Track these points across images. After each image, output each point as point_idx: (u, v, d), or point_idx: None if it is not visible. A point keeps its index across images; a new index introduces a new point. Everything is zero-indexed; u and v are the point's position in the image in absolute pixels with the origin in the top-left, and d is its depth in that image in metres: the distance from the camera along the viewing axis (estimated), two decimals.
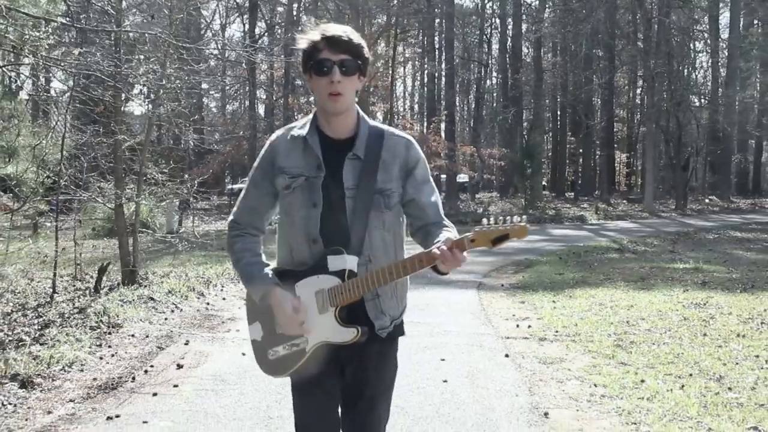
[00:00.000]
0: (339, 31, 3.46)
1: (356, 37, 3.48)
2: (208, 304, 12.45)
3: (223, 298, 13.01)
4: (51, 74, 10.95)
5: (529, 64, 52.94)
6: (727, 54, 53.18)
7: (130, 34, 13.05)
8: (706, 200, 50.82)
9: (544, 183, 55.41)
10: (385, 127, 3.69)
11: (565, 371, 8.03)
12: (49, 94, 10.82)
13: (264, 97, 42.79)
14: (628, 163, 66.66)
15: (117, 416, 6.50)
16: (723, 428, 6.11)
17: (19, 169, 11.56)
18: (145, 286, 13.17)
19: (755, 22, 56.28)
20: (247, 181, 3.75)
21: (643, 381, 7.54)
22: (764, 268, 16.76)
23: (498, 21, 60.20)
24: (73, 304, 11.47)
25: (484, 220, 3.19)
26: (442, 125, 46.08)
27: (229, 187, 52.31)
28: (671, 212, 41.96)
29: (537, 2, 54.57)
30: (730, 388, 7.30)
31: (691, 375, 7.79)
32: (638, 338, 9.54)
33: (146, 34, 13.23)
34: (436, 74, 54.86)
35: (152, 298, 12.03)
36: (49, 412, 6.66)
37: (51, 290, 12.25)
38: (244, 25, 43.63)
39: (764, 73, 50.10)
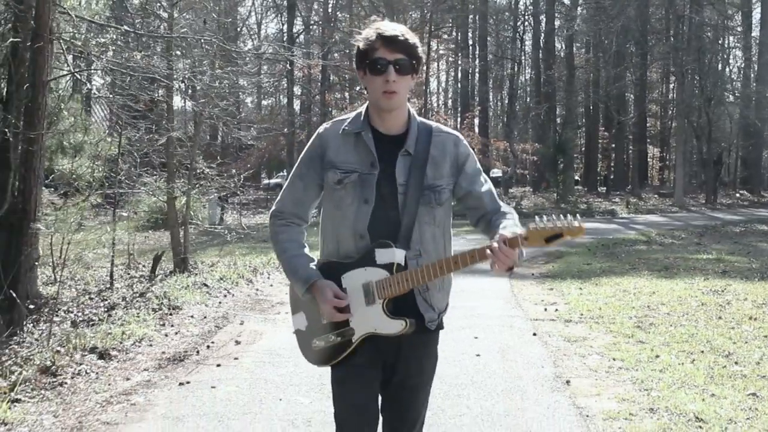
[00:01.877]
0: (395, 31, 3.48)
1: (411, 37, 3.50)
2: (257, 290, 13.36)
3: (271, 285, 13.91)
4: (109, 75, 11.79)
5: (562, 60, 53.29)
6: (758, 50, 53.37)
7: (176, 35, 13.86)
8: (737, 194, 51.17)
9: (577, 178, 55.78)
10: (433, 123, 3.74)
11: (588, 348, 8.81)
12: (110, 94, 11.62)
13: (300, 93, 43.55)
14: (661, 158, 66.78)
15: (187, 382, 7.38)
16: (725, 394, 6.86)
17: (76, 164, 12.45)
18: (196, 274, 14.11)
19: None
20: (293, 172, 3.79)
21: (657, 356, 8.31)
22: None
23: (531, 18, 60.60)
24: (132, 290, 12.40)
25: (537, 218, 3.19)
26: (476, 121, 46.67)
27: (266, 181, 53.17)
28: (701, 206, 42.49)
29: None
30: (736, 363, 8.05)
31: (702, 352, 8.53)
32: (657, 321, 10.28)
33: (194, 36, 14.03)
34: (470, 70, 55.39)
35: (206, 284, 12.96)
36: (128, 379, 7.56)
37: (109, 277, 13.13)
38: (282, 24, 44.44)
39: None
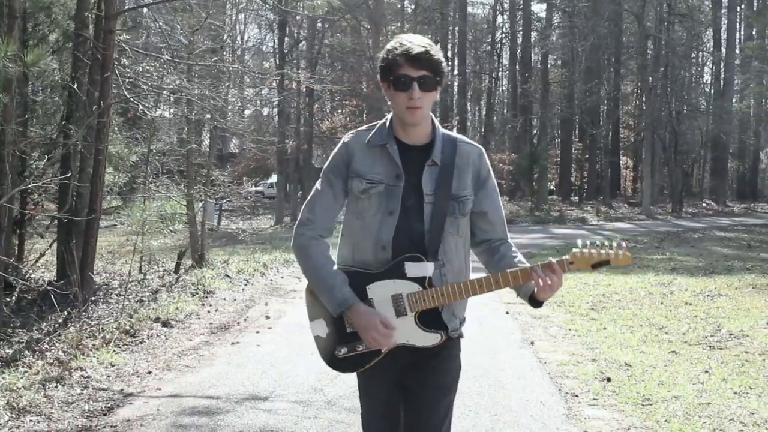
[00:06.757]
0: (421, 47, 3.41)
1: (436, 52, 3.44)
2: (271, 280, 15.56)
3: (282, 277, 16.07)
4: (152, 97, 13.73)
5: (538, 75, 55.04)
6: (723, 67, 55.93)
7: (211, 63, 15.91)
8: (703, 204, 53.56)
9: (552, 187, 58.03)
10: (456, 134, 3.70)
11: (550, 322, 11.03)
12: (152, 113, 13.60)
13: (288, 105, 45.34)
14: (634, 167, 68.75)
15: (237, 342, 9.53)
16: (652, 351, 9.06)
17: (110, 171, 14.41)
18: (213, 268, 16.15)
19: (754, 32, 58.62)
20: (320, 181, 3.69)
21: (605, 328, 10.52)
22: (729, 259, 19.74)
23: (509, 32, 62.37)
24: (163, 280, 14.44)
25: (579, 242, 3.29)
26: (454, 131, 48.38)
27: (250, 189, 54.92)
28: (667, 215, 44.98)
29: (544, 15, 57.11)
30: (666, 333, 10.26)
31: (641, 325, 10.75)
32: (609, 305, 12.50)
33: (221, 64, 16.10)
34: (449, 83, 57.13)
35: (228, 276, 15.06)
36: (190, 340, 9.70)
37: (139, 271, 15.16)
38: (274, 41, 46.04)
39: (760, 84, 52.51)
